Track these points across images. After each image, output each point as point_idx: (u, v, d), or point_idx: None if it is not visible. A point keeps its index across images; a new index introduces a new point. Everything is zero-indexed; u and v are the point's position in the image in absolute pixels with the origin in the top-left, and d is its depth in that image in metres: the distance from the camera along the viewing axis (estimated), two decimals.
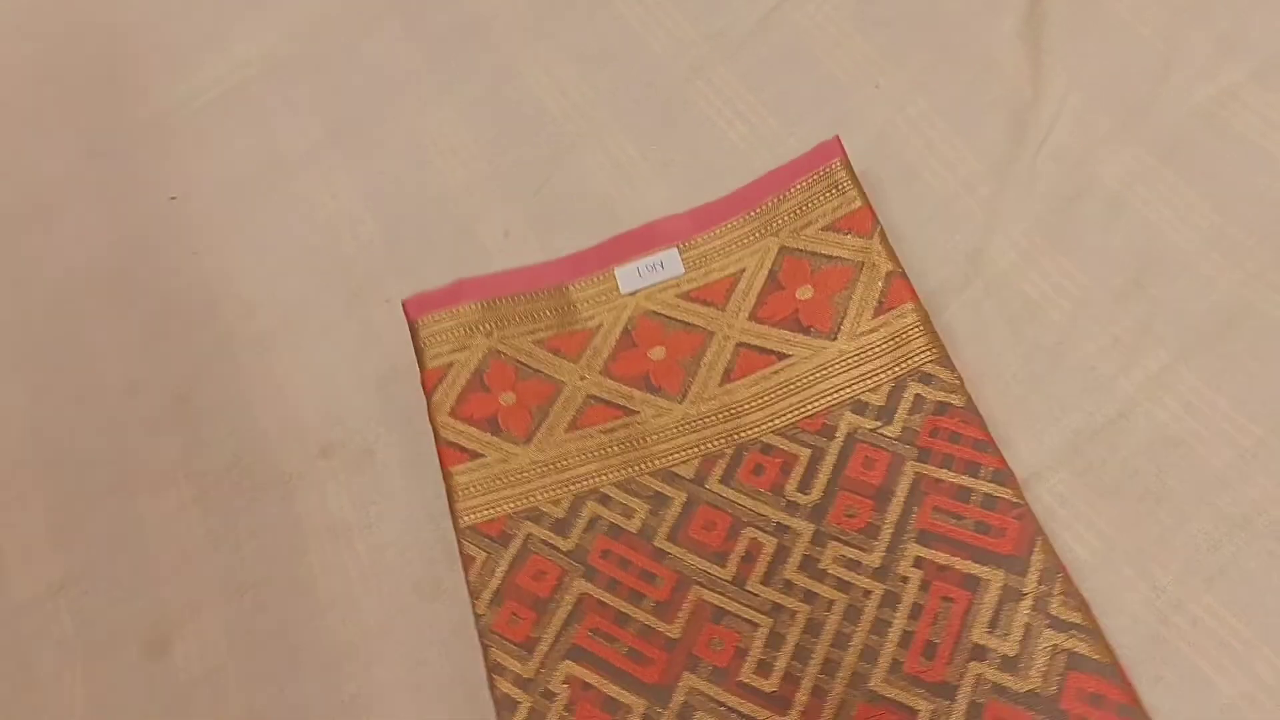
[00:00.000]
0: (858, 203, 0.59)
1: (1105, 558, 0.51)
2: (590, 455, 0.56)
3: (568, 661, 0.51)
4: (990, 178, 0.64)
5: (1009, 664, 0.47)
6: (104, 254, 0.72)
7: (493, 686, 0.51)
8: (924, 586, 0.50)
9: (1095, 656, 0.47)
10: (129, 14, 0.82)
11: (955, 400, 0.53)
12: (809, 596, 0.51)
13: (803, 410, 0.56)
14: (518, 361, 0.59)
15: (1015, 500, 0.50)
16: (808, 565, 0.52)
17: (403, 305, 0.61)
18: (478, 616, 0.53)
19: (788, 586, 0.51)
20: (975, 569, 0.49)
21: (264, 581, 0.57)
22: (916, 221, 0.63)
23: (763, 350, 0.58)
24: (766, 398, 0.57)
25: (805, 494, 0.54)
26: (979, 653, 0.48)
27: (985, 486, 0.51)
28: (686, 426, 0.57)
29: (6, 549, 0.61)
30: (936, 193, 0.64)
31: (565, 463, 0.56)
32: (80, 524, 0.61)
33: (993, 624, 0.48)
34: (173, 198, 0.72)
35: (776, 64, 0.70)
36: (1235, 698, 0.47)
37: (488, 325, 0.60)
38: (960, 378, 0.55)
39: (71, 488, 0.62)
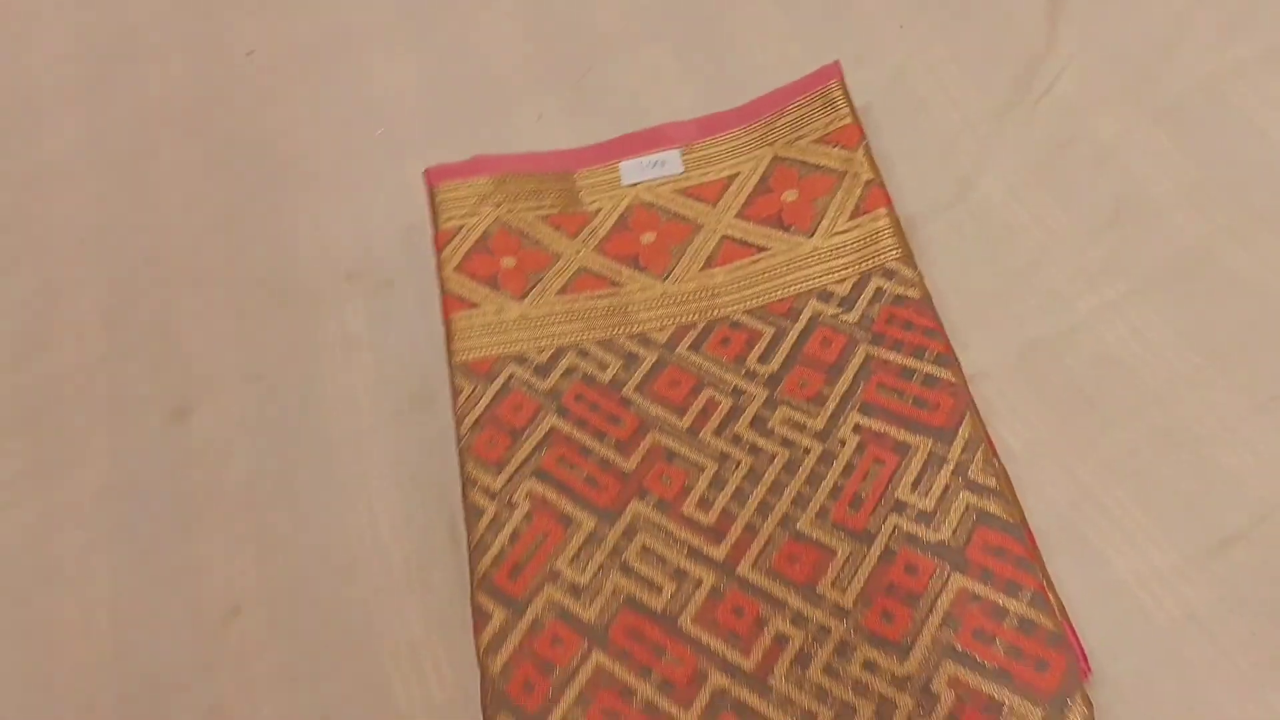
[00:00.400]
0: (848, 119, 0.65)
1: (1033, 450, 0.56)
2: (576, 316, 0.63)
3: (532, 479, 0.57)
4: (991, 118, 0.69)
5: (924, 518, 0.52)
6: (181, 91, 0.81)
7: (465, 496, 0.57)
8: (859, 449, 0.55)
9: (1003, 516, 0.52)
10: None
11: (912, 294, 0.59)
12: (754, 450, 0.57)
13: (773, 295, 0.61)
14: (521, 232, 0.66)
15: (953, 380, 0.56)
16: (757, 424, 0.57)
17: (424, 173, 0.68)
18: (459, 438, 0.59)
19: (736, 439, 0.57)
20: (907, 437, 0.55)
21: (278, 375, 0.65)
22: (917, 149, 0.68)
23: (744, 243, 0.64)
24: (742, 283, 0.62)
25: (764, 365, 0.59)
26: (899, 507, 0.53)
27: (928, 368, 0.56)
28: (666, 300, 0.63)
29: (65, 322, 0.69)
30: (940, 126, 0.69)
31: (552, 320, 0.63)
32: (128, 308, 0.69)
33: (915, 484, 0.53)
34: (250, 52, 0.81)
35: None
36: (1126, 575, 0.52)
37: (498, 198, 0.67)
38: (920, 275, 0.60)
39: (125, 277, 0.70)
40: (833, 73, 0.67)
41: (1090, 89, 0.69)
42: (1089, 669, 0.49)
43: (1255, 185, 0.64)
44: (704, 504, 0.56)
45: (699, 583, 0.54)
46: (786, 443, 0.56)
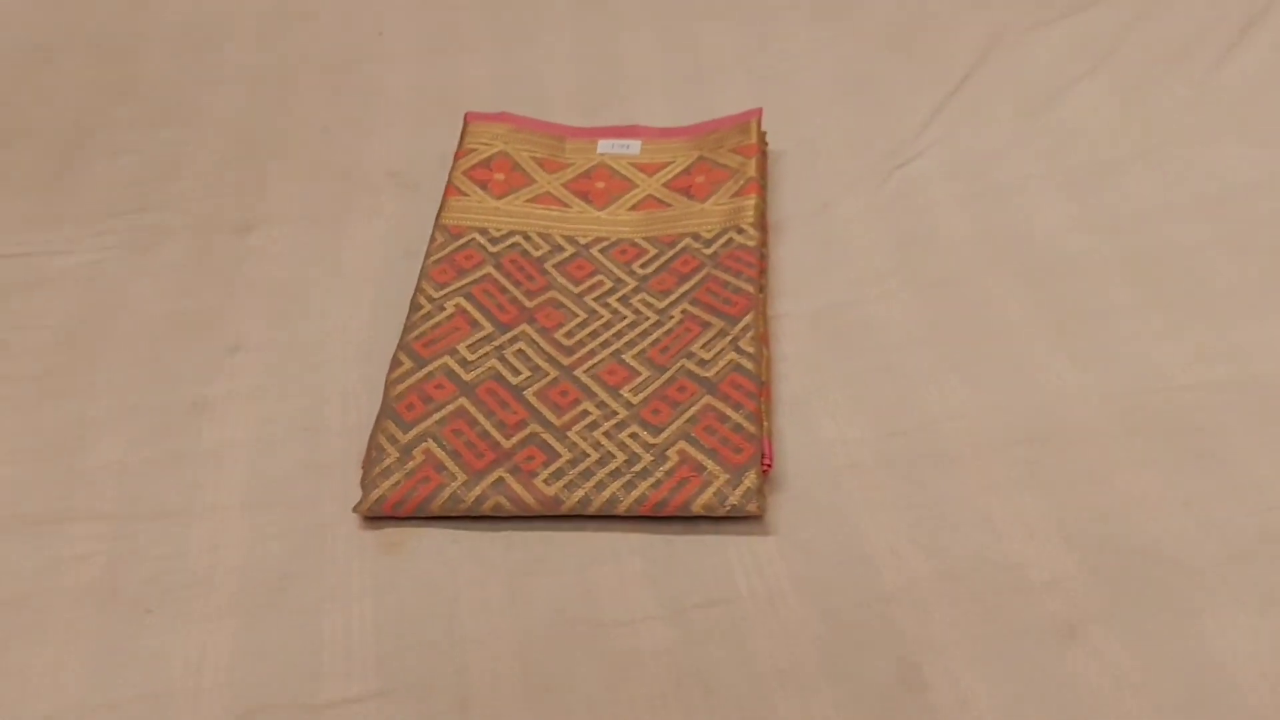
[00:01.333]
0: (753, 140, 0.96)
1: (799, 361, 0.83)
2: (530, 216, 0.93)
3: (459, 297, 0.86)
4: (859, 172, 0.98)
5: (702, 364, 0.80)
6: (330, 50, 1.20)
7: (414, 297, 0.86)
8: (680, 322, 0.83)
9: (753, 369, 0.79)
10: None
11: (750, 244, 0.87)
12: (615, 312, 0.85)
13: (665, 231, 0.91)
14: (514, 162, 0.97)
15: (752, 291, 0.84)
16: (623, 300, 0.86)
17: (465, 114, 1.00)
18: (423, 266, 0.89)
19: (604, 304, 0.86)
20: (711, 319, 0.82)
21: (328, 217, 1.00)
22: (805, 178, 0.99)
23: (660, 201, 0.94)
24: (648, 222, 0.92)
25: (643, 269, 0.88)
26: (690, 357, 0.80)
27: (739, 283, 0.85)
28: (595, 222, 0.93)
29: (203, 169, 1.03)
30: (824, 169, 1.00)
31: (514, 215, 0.93)
32: (253, 161, 1.05)
33: (705, 346, 0.80)
34: (380, 33, 1.18)
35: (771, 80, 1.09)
36: (828, 435, 0.78)
37: (506, 138, 0.99)
38: (762, 237, 0.89)
39: (254, 149, 1.06)
40: (755, 114, 0.99)
41: (930, 171, 0.98)
42: (770, 465, 0.75)
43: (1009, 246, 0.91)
44: (569, 335, 0.84)
45: (546, 374, 0.81)
46: (637, 312, 0.85)
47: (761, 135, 0.98)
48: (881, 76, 1.09)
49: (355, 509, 0.76)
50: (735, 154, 0.95)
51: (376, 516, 0.75)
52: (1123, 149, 0.99)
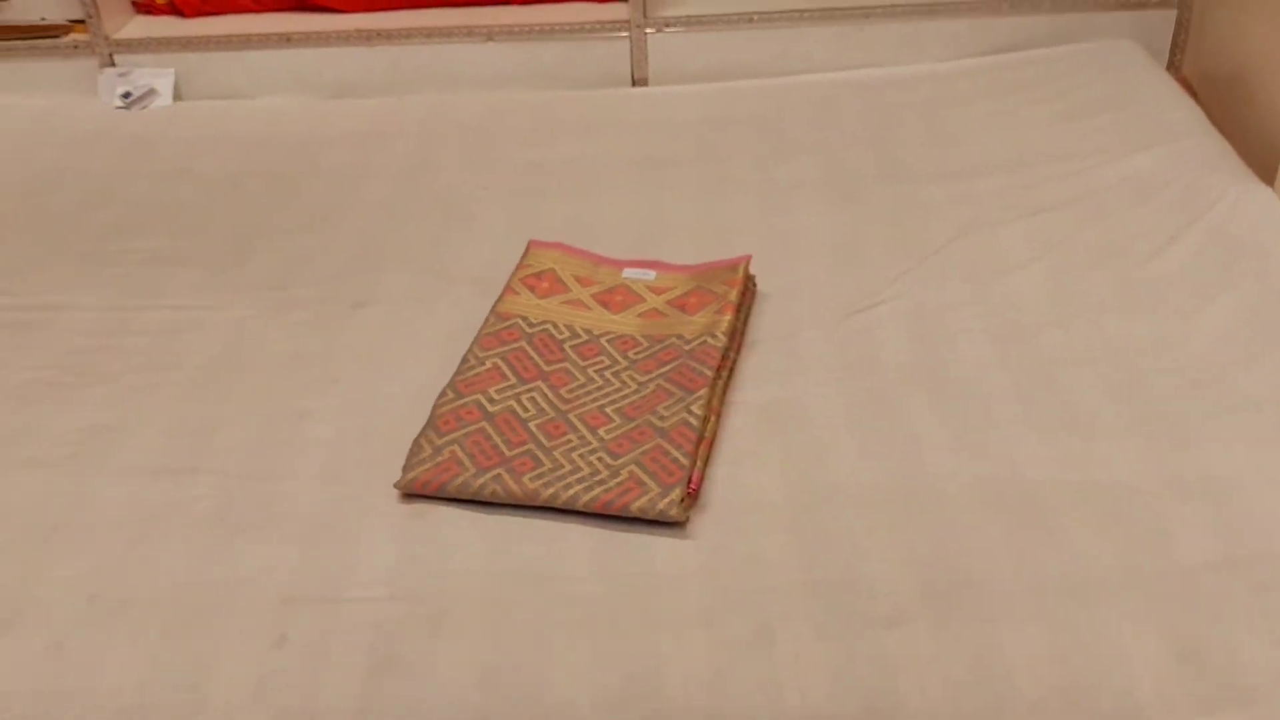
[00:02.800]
0: (739, 276, 1.32)
1: (739, 427, 1.14)
2: (562, 314, 1.31)
3: (496, 358, 1.22)
4: (832, 309, 1.31)
5: (661, 418, 1.14)
6: (460, 188, 1.61)
7: (465, 355, 1.22)
8: (652, 391, 1.18)
9: (698, 426, 1.12)
10: None
11: (719, 345, 1.22)
12: (607, 380, 1.21)
13: (658, 331, 1.27)
14: (558, 276, 1.35)
15: (709, 374, 1.17)
16: (616, 374, 1.22)
17: (529, 241, 1.40)
18: (475, 337, 1.26)
19: (602, 375, 1.22)
20: (676, 390, 1.17)
21: (418, 302, 1.37)
22: (784, 310, 1.32)
23: (660, 312, 1.31)
24: (648, 325, 1.29)
25: (635, 355, 1.24)
26: (654, 414, 1.15)
27: (703, 368, 1.19)
28: (608, 322, 1.30)
29: (338, 255, 1.44)
30: (803, 303, 1.34)
31: (550, 310, 1.31)
32: (367, 252, 1.45)
33: (665, 407, 1.15)
34: (485, 188, 1.60)
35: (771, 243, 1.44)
36: (755, 483, 1.08)
37: (556, 260, 1.39)
38: (729, 343, 1.23)
39: (365, 250, 1.47)
40: (745, 258, 1.36)
41: (885, 317, 1.30)
42: (695, 490, 1.07)
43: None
44: (570, 391, 1.19)
45: (547, 414, 1.16)
46: (624, 383, 1.20)
47: (749, 275, 1.34)
48: (865, 246, 1.45)
49: (395, 485, 1.10)
50: (723, 284, 1.32)
51: (410, 493, 1.10)
52: (1044, 315, 1.30)
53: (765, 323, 1.33)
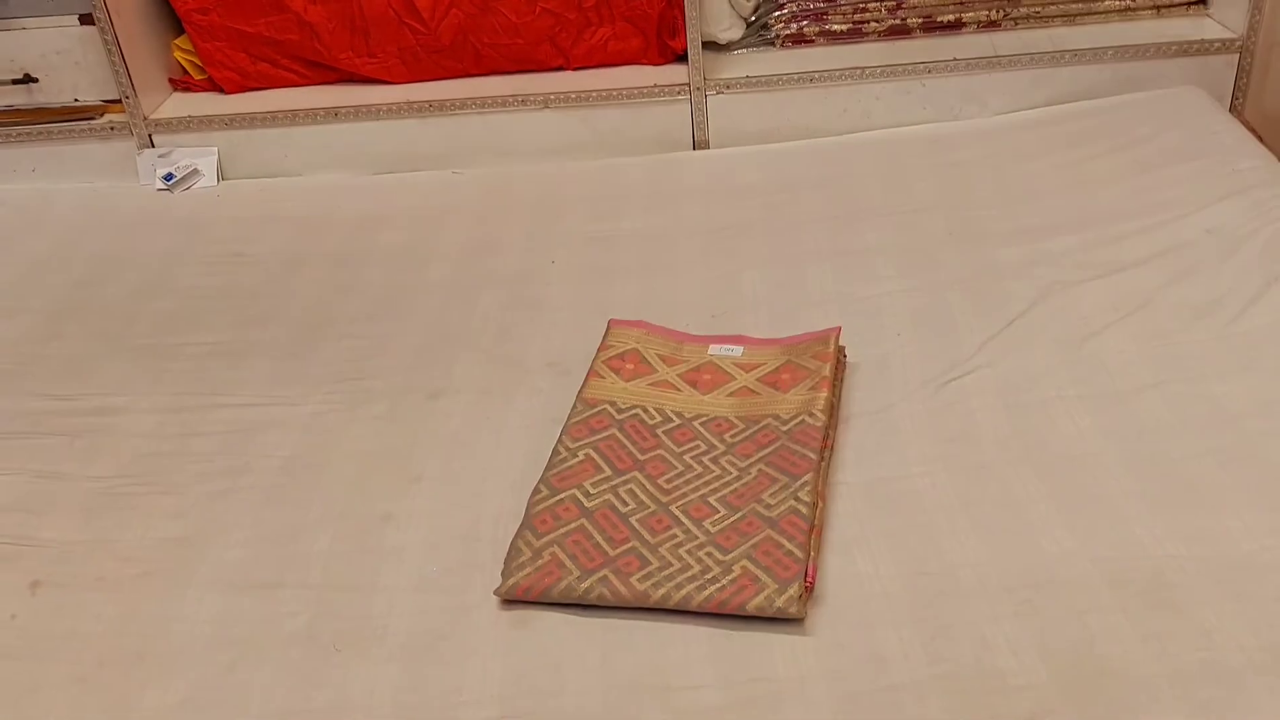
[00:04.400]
0: (830, 349, 1.30)
1: (846, 515, 1.11)
2: (650, 397, 1.29)
3: (589, 449, 1.20)
4: (919, 380, 1.29)
5: (768, 507, 1.11)
6: (521, 269, 1.59)
7: (555, 448, 1.19)
8: (755, 477, 1.15)
9: (807, 514, 1.10)
10: None
11: (818, 425, 1.20)
12: (705, 467, 1.18)
13: (753, 412, 1.24)
14: (643, 356, 1.33)
15: (813, 457, 1.15)
16: (714, 459, 1.19)
17: (609, 320, 1.38)
18: (564, 425, 1.24)
19: (700, 461, 1.19)
20: (779, 476, 1.14)
21: (496, 393, 1.36)
22: (874, 384, 1.30)
23: (752, 390, 1.28)
24: (741, 405, 1.27)
25: (732, 439, 1.22)
26: (759, 502, 1.12)
27: (805, 451, 1.17)
28: (699, 403, 1.28)
29: (405, 349, 1.43)
30: (890, 377, 1.32)
31: (638, 394, 1.29)
32: (437, 343, 1.44)
33: (771, 495, 1.12)
34: (553, 261, 1.58)
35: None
36: (868, 573, 1.05)
37: (639, 339, 1.37)
38: (828, 421, 1.20)
39: (441, 338, 1.45)
40: (835, 330, 1.34)
41: (976, 386, 1.29)
42: (812, 583, 1.05)
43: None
44: (669, 481, 1.17)
45: (648, 507, 1.14)
46: (723, 469, 1.18)
47: (839, 347, 1.32)
48: (946, 311, 1.43)
49: (495, 592, 1.07)
50: (815, 359, 1.30)
51: (511, 600, 1.07)
52: (1138, 379, 1.28)
53: (856, 396, 1.31)
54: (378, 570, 1.15)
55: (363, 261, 1.68)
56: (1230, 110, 1.87)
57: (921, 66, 1.83)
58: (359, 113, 1.89)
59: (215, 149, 1.93)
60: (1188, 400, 1.25)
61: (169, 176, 1.92)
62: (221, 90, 2.01)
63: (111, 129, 1.95)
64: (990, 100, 1.85)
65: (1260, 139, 1.75)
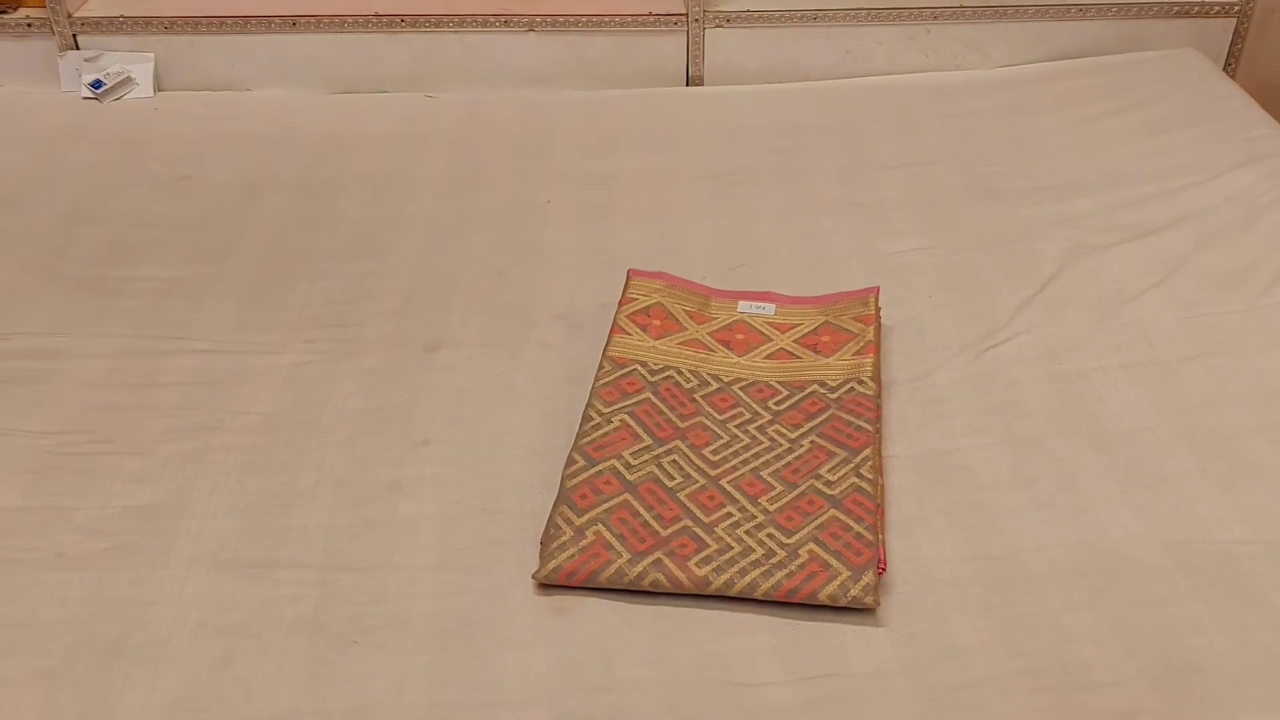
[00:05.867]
0: (872, 311, 1.21)
1: (902, 485, 1.03)
2: (683, 357, 1.17)
3: (624, 414, 1.09)
4: (957, 346, 1.22)
5: (829, 484, 1.02)
6: (511, 208, 1.47)
7: (585, 412, 1.08)
8: (809, 449, 1.06)
9: (870, 491, 1.01)
10: None
11: (869, 393, 1.10)
12: (753, 438, 1.08)
13: (796, 377, 1.15)
14: (668, 312, 1.21)
15: (870, 429, 1.05)
16: (760, 429, 1.08)
17: (628, 270, 1.25)
18: (593, 387, 1.13)
19: (745, 431, 1.08)
20: (836, 450, 1.05)
21: (501, 345, 1.24)
22: (911, 349, 1.22)
23: (791, 353, 1.18)
24: (782, 370, 1.16)
25: (777, 406, 1.11)
26: (818, 478, 1.02)
27: (861, 422, 1.07)
28: (737, 366, 1.17)
29: (394, 292, 1.28)
30: (928, 342, 1.24)
31: (669, 354, 1.17)
32: (437, 293, 1.29)
33: (830, 470, 1.02)
34: (548, 201, 1.45)
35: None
36: (934, 556, 0.98)
37: (662, 292, 1.25)
38: (878, 388, 1.12)
39: (440, 285, 1.31)
40: (873, 290, 1.24)
41: (1016, 353, 1.22)
42: (884, 569, 0.95)
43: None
44: (715, 452, 1.06)
45: (696, 481, 1.03)
46: (772, 440, 1.07)
47: (878, 309, 1.22)
48: (975, 272, 1.35)
49: (534, 575, 0.96)
50: (857, 321, 1.21)
51: (550, 584, 0.96)
52: (1180, 350, 1.23)
53: (895, 361, 1.22)
54: (389, 546, 1.01)
55: (331, 191, 1.51)
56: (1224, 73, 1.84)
57: (928, 12, 1.73)
58: (319, 23, 1.71)
59: (152, 55, 1.72)
60: (1231, 374, 1.20)
61: (97, 84, 1.70)
62: None
63: (29, 25, 1.71)
64: (993, 51, 1.76)
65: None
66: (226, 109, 1.70)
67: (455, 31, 1.71)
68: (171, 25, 1.70)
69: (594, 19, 1.71)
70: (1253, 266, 1.35)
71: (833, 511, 1.00)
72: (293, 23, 1.71)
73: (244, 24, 1.70)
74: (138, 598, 0.97)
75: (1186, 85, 1.71)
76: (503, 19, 1.70)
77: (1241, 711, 0.88)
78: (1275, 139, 1.56)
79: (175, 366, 1.22)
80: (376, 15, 1.70)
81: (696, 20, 1.71)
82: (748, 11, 1.72)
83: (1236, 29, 1.80)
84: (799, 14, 1.73)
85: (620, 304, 1.24)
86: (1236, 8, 1.79)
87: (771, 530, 0.99)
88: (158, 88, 1.73)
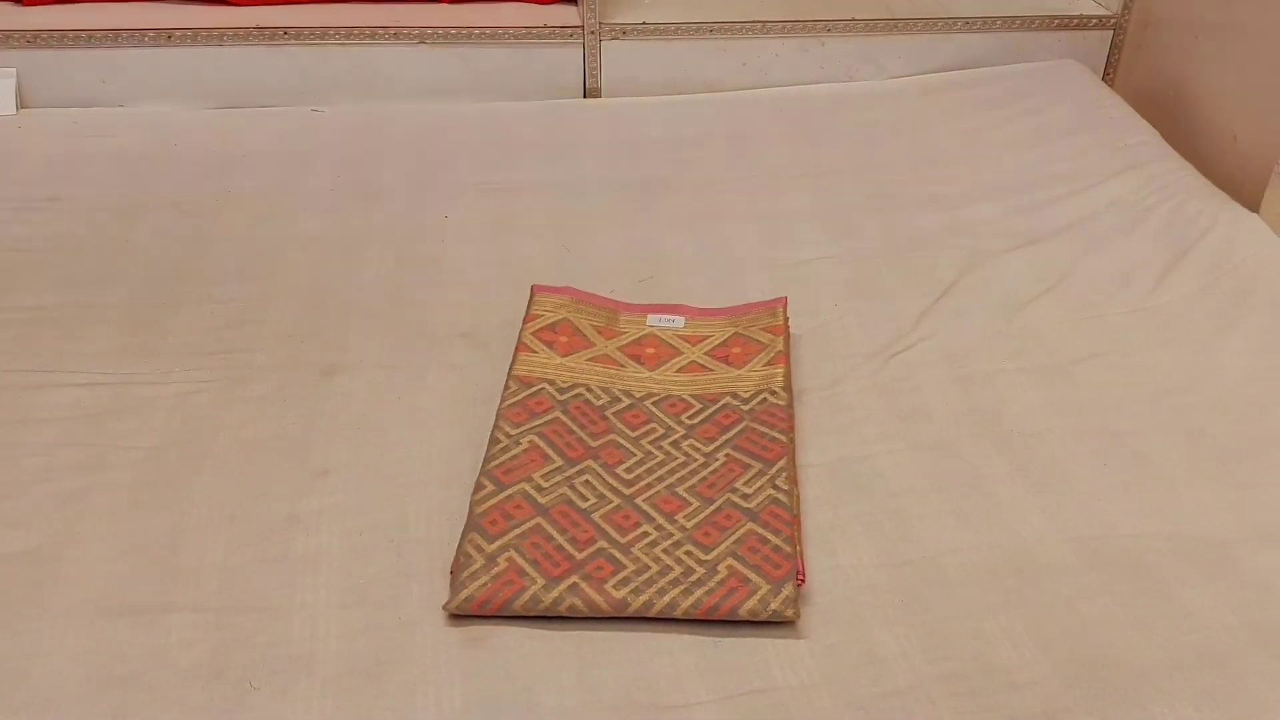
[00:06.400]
0: (779, 321, 1.21)
1: (817, 496, 1.03)
2: (592, 374, 1.15)
3: (534, 435, 1.06)
4: (862, 355, 1.23)
5: (745, 497, 1.01)
6: (402, 223, 1.44)
7: (492, 434, 1.05)
8: (723, 463, 1.05)
9: (787, 503, 1.00)
10: None
11: (782, 403, 1.10)
12: (667, 454, 1.06)
13: (709, 390, 1.14)
14: (576, 327, 1.19)
15: (784, 440, 1.05)
16: (674, 444, 1.07)
17: (532, 286, 1.23)
18: (499, 408, 1.10)
19: (659, 447, 1.07)
20: (751, 462, 1.04)
21: (405, 365, 1.20)
22: (818, 357, 1.22)
23: (703, 366, 1.17)
24: (694, 383, 1.15)
25: (691, 421, 1.10)
26: (734, 492, 1.01)
27: (774, 433, 1.07)
28: (647, 381, 1.15)
29: (283, 317, 1.23)
30: (835, 351, 1.24)
31: (578, 371, 1.15)
32: (330, 317, 1.25)
33: (746, 483, 1.01)
34: (446, 216, 1.40)
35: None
36: (851, 564, 0.98)
37: (568, 307, 1.22)
38: (790, 399, 1.11)
39: (335, 306, 1.26)
40: (781, 300, 1.24)
41: (921, 359, 1.23)
42: (803, 580, 0.95)
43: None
44: (628, 470, 1.04)
45: (610, 501, 1.01)
46: (686, 455, 1.06)
47: (787, 318, 1.22)
48: (877, 281, 1.37)
49: (445, 606, 0.92)
50: (766, 331, 1.20)
51: (463, 615, 0.92)
52: (1074, 351, 1.26)
53: (805, 370, 1.22)
54: (289, 584, 0.97)
55: (215, 211, 1.45)
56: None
57: (822, 25, 1.75)
58: (197, 36, 1.64)
59: (14, 70, 1.63)
60: (1123, 373, 1.24)
61: None
62: (18, 1, 1.70)
63: None
64: (886, 63, 1.80)
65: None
66: (98, 126, 1.63)
67: (342, 44, 1.67)
68: (35, 39, 1.62)
69: (488, 31, 1.68)
70: (1139, 268, 1.39)
71: (750, 525, 0.99)
72: (168, 35, 1.64)
73: (115, 37, 1.63)
74: (14, 652, 0.90)
75: (1069, 95, 1.76)
76: (392, 31, 1.66)
77: (1154, 702, 0.89)
78: (1154, 146, 1.62)
79: (49, 401, 1.14)
80: (258, 28, 1.65)
81: (593, 32, 1.69)
82: (643, 24, 1.71)
83: (1114, 40, 1.87)
84: (695, 26, 1.72)
85: (525, 321, 1.21)
86: (1113, 20, 1.85)
87: (689, 548, 0.97)
88: (20, 105, 1.64)
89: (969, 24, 1.80)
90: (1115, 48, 1.88)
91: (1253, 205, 1.47)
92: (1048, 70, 1.82)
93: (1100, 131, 1.66)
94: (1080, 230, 1.46)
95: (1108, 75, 1.89)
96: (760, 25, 1.73)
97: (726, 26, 1.73)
